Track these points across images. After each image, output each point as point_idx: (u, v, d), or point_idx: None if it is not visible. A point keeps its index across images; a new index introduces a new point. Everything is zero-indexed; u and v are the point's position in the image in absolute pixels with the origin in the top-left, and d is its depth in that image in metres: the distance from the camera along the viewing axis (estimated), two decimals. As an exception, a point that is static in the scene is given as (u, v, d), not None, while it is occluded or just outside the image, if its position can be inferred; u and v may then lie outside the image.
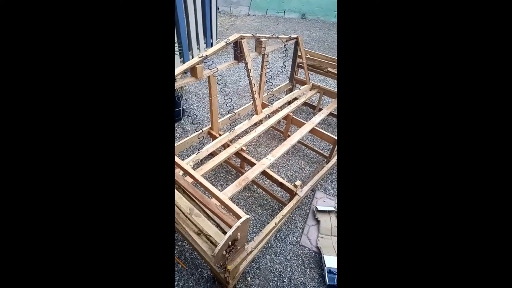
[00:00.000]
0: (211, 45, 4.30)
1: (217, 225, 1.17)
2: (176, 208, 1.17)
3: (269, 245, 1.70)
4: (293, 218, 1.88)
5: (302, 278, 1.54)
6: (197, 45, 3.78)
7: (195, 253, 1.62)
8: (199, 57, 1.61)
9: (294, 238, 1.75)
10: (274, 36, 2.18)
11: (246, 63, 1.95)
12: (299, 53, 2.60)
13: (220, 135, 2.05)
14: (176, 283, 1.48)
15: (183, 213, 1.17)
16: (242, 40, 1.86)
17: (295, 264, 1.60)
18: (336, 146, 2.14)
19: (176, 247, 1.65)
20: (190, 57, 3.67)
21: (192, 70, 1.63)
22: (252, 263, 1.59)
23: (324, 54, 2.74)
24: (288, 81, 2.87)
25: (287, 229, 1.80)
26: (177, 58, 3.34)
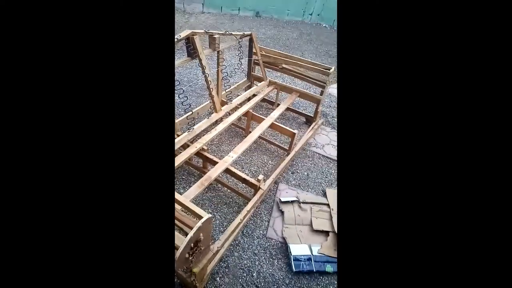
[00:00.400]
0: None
1: (180, 229, 1.12)
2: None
3: (237, 242, 1.69)
4: (259, 212, 1.90)
5: (270, 270, 1.57)
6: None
7: (159, 261, 1.54)
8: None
9: (261, 231, 1.78)
10: (227, 32, 2.16)
11: (200, 60, 1.90)
12: (254, 50, 2.63)
13: (178, 135, 1.97)
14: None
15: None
16: (194, 37, 1.80)
17: (263, 257, 1.63)
18: (293, 139, 2.23)
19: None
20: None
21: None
22: (221, 263, 1.57)
23: (278, 51, 2.82)
24: (245, 79, 2.89)
25: (253, 223, 1.82)
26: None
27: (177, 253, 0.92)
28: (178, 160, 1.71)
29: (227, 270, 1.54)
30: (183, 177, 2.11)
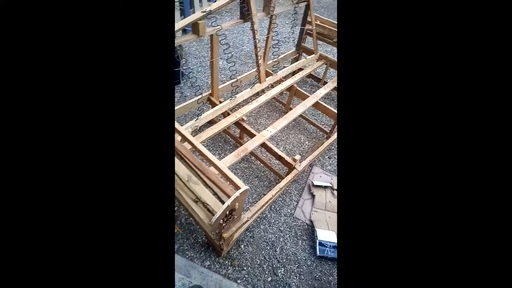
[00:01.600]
0: (214, 2, 3.94)
1: (215, 194, 1.14)
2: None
3: (264, 215, 1.71)
4: (289, 191, 1.88)
5: (293, 249, 1.58)
6: (199, 2, 3.44)
7: (191, 218, 1.63)
8: (202, 12, 1.44)
9: (289, 210, 1.77)
10: (285, -5, 1.96)
11: (252, 23, 1.77)
12: (308, 19, 2.39)
13: (220, 102, 1.95)
14: (170, 246, 1.50)
15: (181, 180, 1.13)
16: (250, -4, 1.66)
17: (287, 235, 1.64)
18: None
19: (171, 212, 1.66)
20: (192, 14, 3.37)
21: (194, 26, 1.48)
22: (246, 232, 1.61)
23: (335, 22, 2.53)
24: (294, 49, 2.69)
25: (282, 201, 1.81)
26: (177, 14, 3.05)
27: (213, 218, 0.93)
28: (218, 127, 1.71)
29: (251, 240, 1.59)
30: (219, 144, 2.13)
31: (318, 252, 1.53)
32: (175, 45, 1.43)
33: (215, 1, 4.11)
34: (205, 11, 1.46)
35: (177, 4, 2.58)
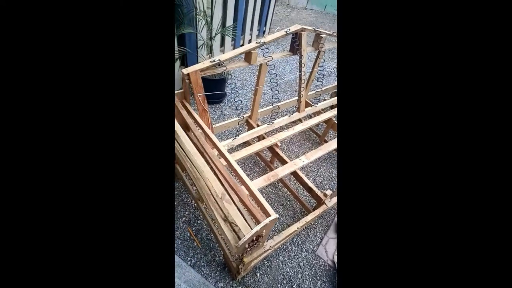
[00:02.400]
0: (263, 33, 4.23)
1: (242, 216, 1.15)
2: (207, 189, 1.17)
3: (284, 246, 1.65)
4: (314, 226, 1.80)
5: (311, 289, 1.48)
6: (250, 30, 3.73)
7: (212, 235, 1.64)
8: (257, 42, 1.56)
9: (311, 246, 1.69)
10: (334, 34, 2.05)
11: (301, 56, 1.86)
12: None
13: (257, 125, 2.01)
14: (189, 258, 1.51)
15: (212, 195, 1.17)
16: (303, 32, 1.77)
17: (307, 273, 1.55)
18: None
19: (195, 224, 1.68)
20: (241, 41, 3.64)
21: (247, 55, 1.60)
22: (264, 260, 1.56)
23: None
24: (335, 83, 2.72)
25: (305, 235, 1.74)
26: (228, 40, 3.33)
27: (240, 242, 0.93)
28: (252, 149, 1.75)
29: (269, 270, 1.53)
30: (249, 165, 2.17)
31: (338, 300, 1.41)
32: (228, 70, 1.55)
33: (264, 32, 4.38)
34: (259, 42, 1.58)
35: (230, 32, 2.82)
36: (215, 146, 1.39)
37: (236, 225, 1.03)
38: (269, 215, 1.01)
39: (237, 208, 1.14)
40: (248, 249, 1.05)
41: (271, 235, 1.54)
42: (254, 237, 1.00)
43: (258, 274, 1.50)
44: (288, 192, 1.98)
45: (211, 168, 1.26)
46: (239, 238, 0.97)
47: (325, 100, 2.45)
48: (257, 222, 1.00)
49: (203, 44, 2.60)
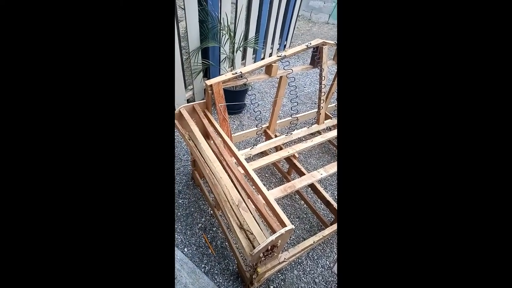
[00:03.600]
0: (284, 47, 4.33)
1: (258, 224, 1.15)
2: (224, 196, 1.20)
3: (300, 260, 1.61)
4: (331, 241, 1.75)
5: (327, 308, 1.42)
6: (271, 44, 3.84)
7: (226, 243, 1.64)
8: (278, 56, 1.61)
9: (327, 262, 1.63)
10: (356, 47, 2.05)
11: (321, 70, 1.88)
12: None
13: (276, 136, 2.03)
14: (203, 265, 1.52)
15: (229, 202, 1.19)
16: (324, 46, 1.80)
17: (322, 290, 1.49)
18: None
19: (211, 232, 1.70)
20: (262, 54, 3.75)
21: (268, 68, 1.65)
22: (278, 273, 1.53)
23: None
24: (356, 97, 2.70)
25: (322, 250, 1.69)
26: (249, 54, 3.45)
27: (255, 250, 0.93)
28: (269, 159, 1.77)
29: (282, 283, 1.49)
30: (266, 175, 2.17)
31: (355, 322, 1.33)
32: (249, 82, 1.60)
33: (285, 46, 4.48)
34: (280, 56, 1.63)
35: (252, 43, 2.93)
36: (233, 154, 1.43)
37: (252, 233, 1.03)
38: (285, 225, 1.01)
39: (253, 216, 1.15)
40: (262, 258, 1.04)
41: (286, 248, 1.52)
42: (269, 247, 0.99)
43: (271, 287, 1.47)
44: (305, 205, 1.95)
45: (229, 175, 1.29)
46: (254, 247, 0.98)
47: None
48: (273, 231, 1.00)
49: (225, 57, 2.72)
